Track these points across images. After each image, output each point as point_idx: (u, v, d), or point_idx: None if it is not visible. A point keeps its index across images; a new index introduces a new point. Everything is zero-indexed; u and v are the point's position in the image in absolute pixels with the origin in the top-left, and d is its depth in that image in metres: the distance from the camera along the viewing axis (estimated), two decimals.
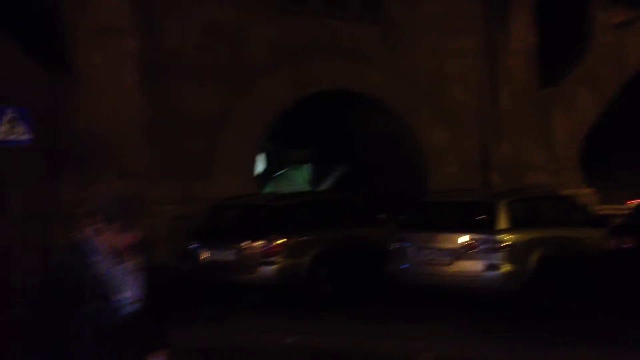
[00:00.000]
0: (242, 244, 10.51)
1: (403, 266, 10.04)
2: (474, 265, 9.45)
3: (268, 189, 19.36)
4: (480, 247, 9.43)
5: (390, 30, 16.54)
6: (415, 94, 16.84)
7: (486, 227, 9.60)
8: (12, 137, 11.53)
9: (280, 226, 10.68)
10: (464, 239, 9.55)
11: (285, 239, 10.54)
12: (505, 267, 9.39)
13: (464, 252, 9.51)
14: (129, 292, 3.08)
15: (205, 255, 10.84)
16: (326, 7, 16.07)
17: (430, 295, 10.36)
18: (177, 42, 14.41)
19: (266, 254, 10.30)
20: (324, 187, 19.23)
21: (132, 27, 13.86)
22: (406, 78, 16.68)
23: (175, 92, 14.32)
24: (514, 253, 9.48)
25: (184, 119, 14.42)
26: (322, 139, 19.07)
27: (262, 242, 10.39)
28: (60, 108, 13.50)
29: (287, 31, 15.45)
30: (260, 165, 19.55)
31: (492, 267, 9.37)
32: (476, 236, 9.51)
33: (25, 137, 11.57)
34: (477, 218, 9.92)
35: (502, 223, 9.63)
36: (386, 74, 16.45)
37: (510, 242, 9.47)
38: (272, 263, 10.25)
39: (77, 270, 2.98)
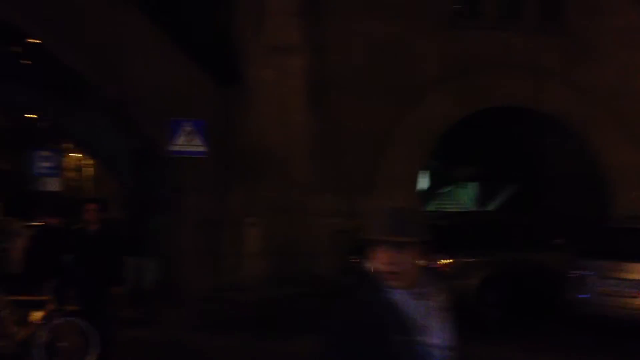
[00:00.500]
0: None
1: (582, 296, 9.24)
2: None
3: (431, 207, 18.90)
4: None
5: (571, 42, 15.53)
6: (598, 110, 15.64)
7: None
8: (189, 148, 12.11)
9: (446, 246, 10.24)
10: None
11: (450, 260, 10.08)
12: None
13: None
14: (437, 336, 2.42)
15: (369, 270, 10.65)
16: (500, 19, 15.43)
17: (613, 328, 9.42)
18: (343, 58, 14.49)
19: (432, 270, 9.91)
20: (491, 206, 18.44)
21: (301, 45, 14.15)
22: (587, 93, 15.56)
23: (341, 107, 14.39)
24: None
25: (349, 134, 14.44)
26: (490, 156, 18.33)
27: (426, 261, 10.01)
28: (232, 122, 14.04)
29: (457, 45, 15.01)
30: (423, 182, 19.15)
31: None
32: None
33: (201, 148, 12.11)
34: None
35: None
36: (565, 88, 15.46)
37: None
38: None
39: (376, 306, 2.41)
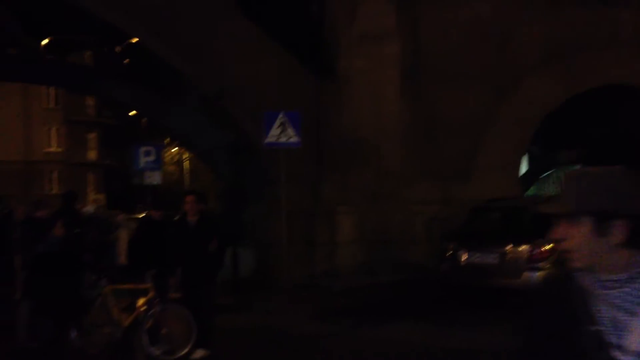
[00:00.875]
0: (506, 247, 9.91)
1: None
2: None
3: (532, 192, 18.32)
4: None
5: None
6: None
7: None
8: (283, 139, 12.22)
9: (548, 231, 9.84)
10: None
11: (553, 245, 9.70)
12: None
13: None
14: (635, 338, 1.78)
15: (464, 257, 10.42)
16: None
17: None
18: (438, 44, 14.21)
19: (532, 259, 9.60)
20: None
21: (395, 32, 13.98)
22: None
23: (436, 95, 14.14)
24: None
25: (444, 121, 14.17)
26: (594, 138, 17.56)
27: (527, 246, 9.71)
28: (325, 112, 14.07)
29: (559, 25, 14.41)
30: (523, 167, 18.58)
31: None
32: None
33: (294, 139, 12.19)
34: None
35: None
36: None
37: None
38: (538, 269, 9.51)
39: (563, 291, 1.90)
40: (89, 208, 16.79)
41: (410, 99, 14.10)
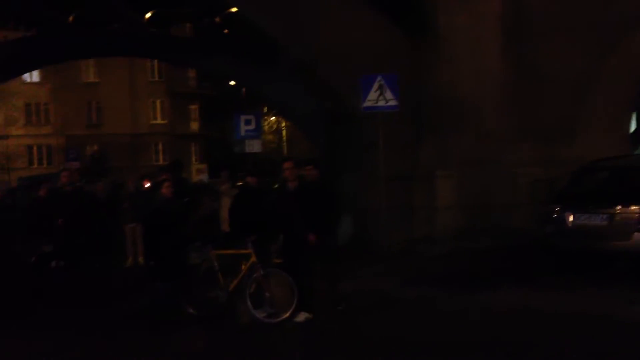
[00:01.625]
0: (615, 208, 9.48)
1: None
2: None
3: None
4: None
5: None
6: None
7: None
8: (381, 103, 12.13)
9: None
10: None
11: None
12: None
13: None
14: None
15: (570, 219, 10.05)
16: None
17: None
18: None
19: None
20: None
21: None
22: None
23: (538, 51, 13.55)
24: None
25: (546, 79, 13.59)
26: None
27: (638, 207, 9.26)
28: (423, 73, 13.79)
29: None
30: (632, 125, 17.64)
31: None
32: None
33: (392, 103, 12.07)
34: None
35: None
36: None
37: None
38: None
39: None
40: (202, 177, 17.38)
41: (512, 56, 13.61)
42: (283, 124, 40.48)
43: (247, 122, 16.89)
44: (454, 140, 13.31)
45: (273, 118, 41.61)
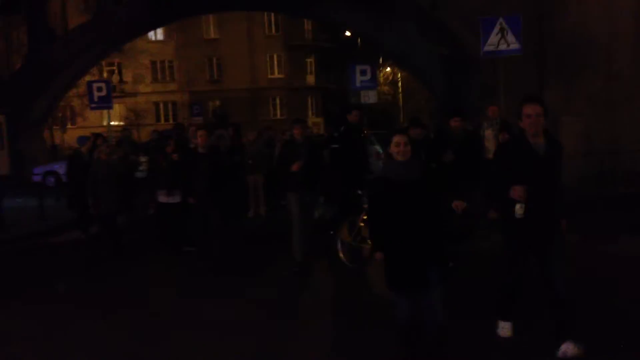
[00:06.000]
0: None
1: None
2: None
3: None
4: None
5: None
6: None
7: None
8: (502, 47, 11.63)
9: None
10: None
11: None
12: None
13: None
14: None
15: None
16: None
17: None
18: None
19: None
20: None
21: None
22: None
23: None
24: None
25: None
26: None
27: None
28: (549, 12, 13.12)
29: None
30: None
31: None
32: None
33: (515, 46, 11.53)
34: None
35: None
36: None
37: None
38: None
39: None
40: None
41: None
42: (399, 75, 39.92)
43: (363, 73, 16.76)
44: (582, 84, 12.66)
45: (388, 69, 41.11)
